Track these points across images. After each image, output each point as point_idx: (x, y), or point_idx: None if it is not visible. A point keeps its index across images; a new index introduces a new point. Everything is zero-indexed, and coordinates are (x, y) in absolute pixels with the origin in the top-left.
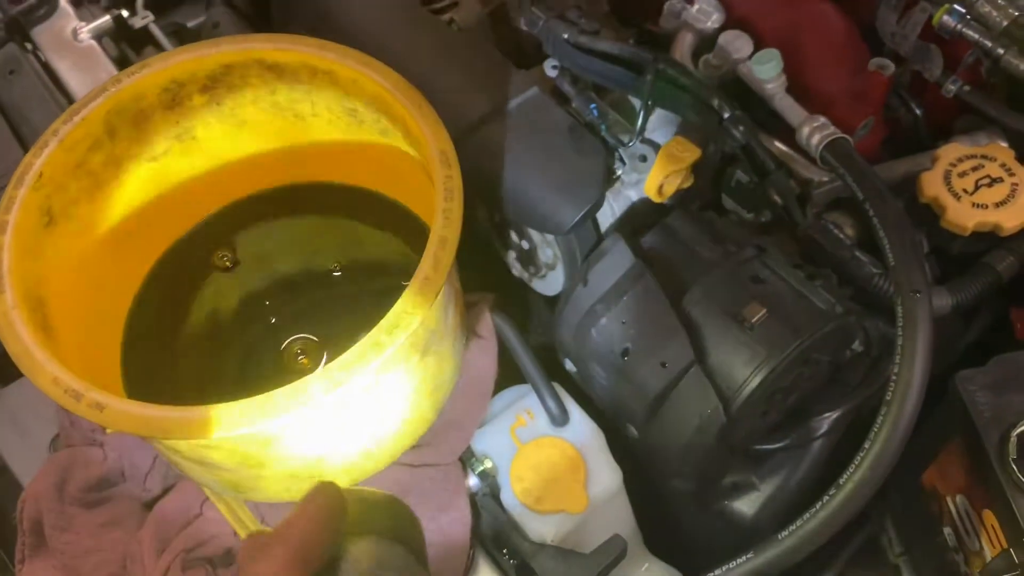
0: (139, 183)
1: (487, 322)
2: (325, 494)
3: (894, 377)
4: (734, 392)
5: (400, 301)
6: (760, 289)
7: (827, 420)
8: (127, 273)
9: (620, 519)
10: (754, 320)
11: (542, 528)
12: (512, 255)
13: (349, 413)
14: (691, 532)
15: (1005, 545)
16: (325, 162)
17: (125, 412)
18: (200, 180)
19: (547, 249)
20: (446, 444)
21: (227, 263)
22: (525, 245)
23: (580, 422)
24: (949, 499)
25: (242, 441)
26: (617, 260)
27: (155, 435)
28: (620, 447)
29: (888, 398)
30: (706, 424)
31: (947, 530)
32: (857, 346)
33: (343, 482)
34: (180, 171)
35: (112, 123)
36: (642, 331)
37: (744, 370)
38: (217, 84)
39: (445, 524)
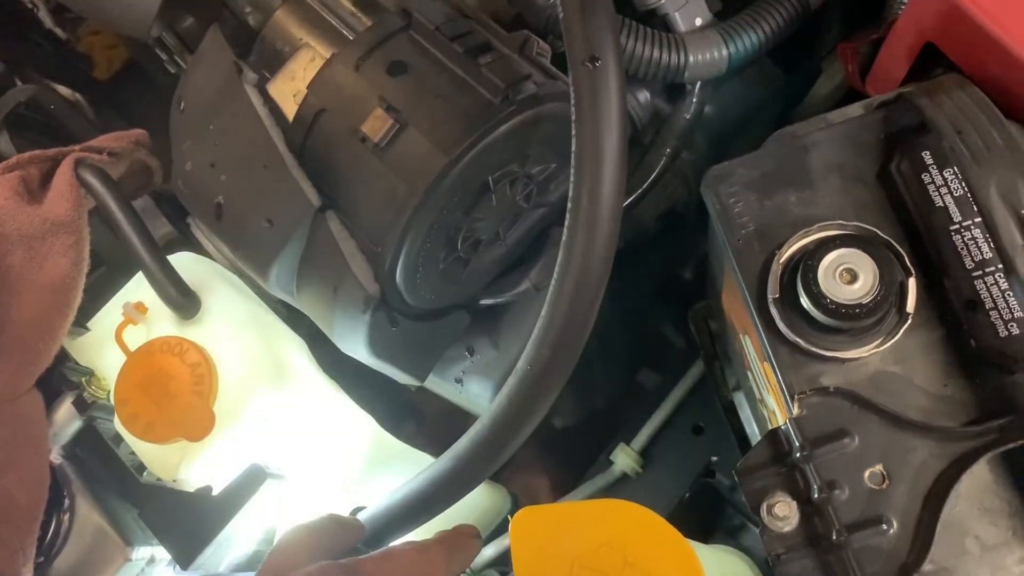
0: None
1: (71, 192)
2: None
3: (569, 204)
4: (380, 247)
5: None
6: (399, 85)
7: None
8: None
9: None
10: (377, 139)
11: (165, 463)
12: None
13: None
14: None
15: (785, 416)
16: None
17: None
18: None
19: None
20: (2, 372)
21: None
22: None
23: (218, 308)
24: (742, 337)
25: None
26: (210, 59)
27: None
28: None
29: (564, 237)
30: (348, 297)
31: (750, 374)
32: None
33: None
34: None
35: None
36: (235, 174)
37: (384, 214)
38: None
39: (10, 486)
